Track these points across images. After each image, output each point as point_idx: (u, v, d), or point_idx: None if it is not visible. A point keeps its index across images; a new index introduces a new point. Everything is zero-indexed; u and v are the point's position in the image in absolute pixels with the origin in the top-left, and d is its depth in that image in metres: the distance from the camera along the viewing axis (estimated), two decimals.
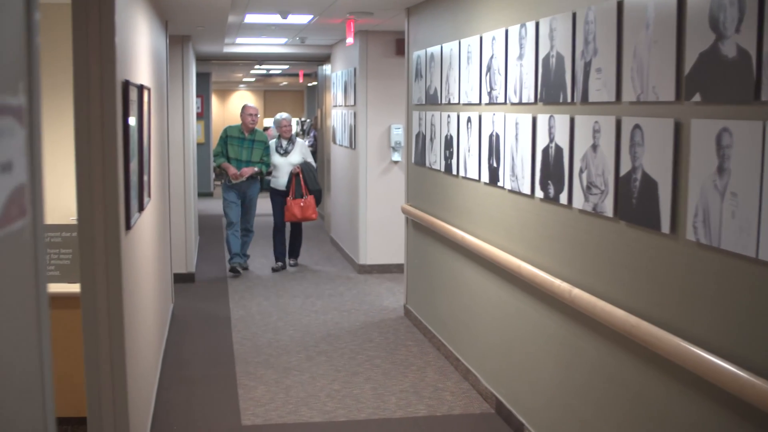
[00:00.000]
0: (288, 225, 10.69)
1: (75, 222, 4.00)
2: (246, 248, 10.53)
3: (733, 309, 3.01)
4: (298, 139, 10.55)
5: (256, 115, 10.27)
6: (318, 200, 10.33)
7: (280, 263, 10.60)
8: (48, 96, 5.31)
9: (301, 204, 10.14)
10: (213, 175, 20.00)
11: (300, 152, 10.37)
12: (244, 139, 10.15)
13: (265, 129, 24.89)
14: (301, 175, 10.16)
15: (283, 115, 10.64)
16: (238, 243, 10.25)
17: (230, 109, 28.62)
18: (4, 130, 1.35)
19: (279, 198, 10.36)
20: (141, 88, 4.96)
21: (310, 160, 10.48)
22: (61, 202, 5.44)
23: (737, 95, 2.92)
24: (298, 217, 10.18)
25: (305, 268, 10.69)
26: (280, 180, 10.32)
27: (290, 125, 10.48)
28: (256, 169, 10.15)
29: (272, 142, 10.42)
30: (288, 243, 10.80)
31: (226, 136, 10.22)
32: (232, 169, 10.07)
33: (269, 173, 10.57)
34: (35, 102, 2.07)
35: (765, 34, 2.78)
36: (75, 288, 4.86)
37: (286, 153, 10.31)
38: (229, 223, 10.22)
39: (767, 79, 2.76)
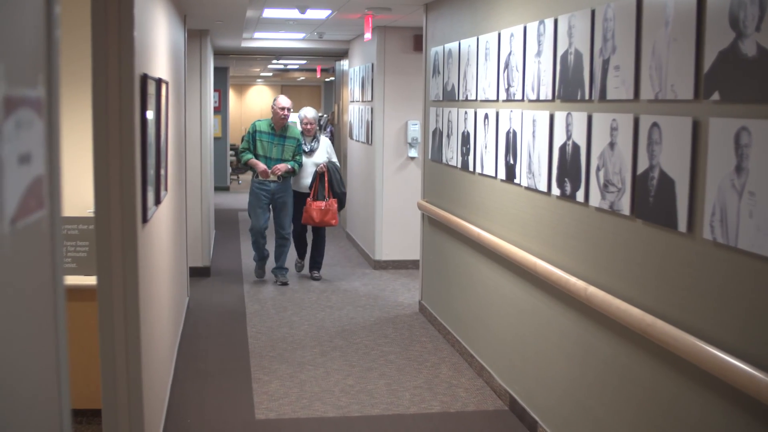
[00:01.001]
0: (308, 231, 9.91)
1: (92, 215, 4.02)
2: (284, 259, 9.47)
3: (749, 309, 3.00)
4: (323, 137, 9.69)
5: (288, 109, 9.16)
6: (341, 204, 9.42)
7: (299, 264, 9.93)
8: (67, 88, 5.33)
9: (322, 207, 9.23)
10: (230, 170, 19.98)
11: (325, 151, 9.55)
12: (274, 135, 9.12)
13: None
14: (326, 176, 9.31)
15: (308, 110, 9.69)
16: (262, 249, 9.40)
17: (248, 103, 28.70)
18: (22, 122, 1.35)
19: (299, 198, 9.43)
20: (159, 82, 4.97)
21: (335, 159, 9.64)
22: (78, 194, 5.46)
23: (757, 94, 2.90)
24: (316, 220, 9.26)
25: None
26: (303, 181, 9.44)
27: (315, 122, 9.61)
28: (289, 166, 9.09)
29: None
30: (309, 250, 9.87)
31: (255, 131, 9.18)
32: (261, 166, 9.01)
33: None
34: (54, 94, 2.08)
35: None
36: (91, 280, 4.88)
37: (311, 152, 9.45)
38: (254, 229, 9.30)
39: None
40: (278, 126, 9.15)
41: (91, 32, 3.75)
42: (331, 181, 9.28)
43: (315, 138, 9.56)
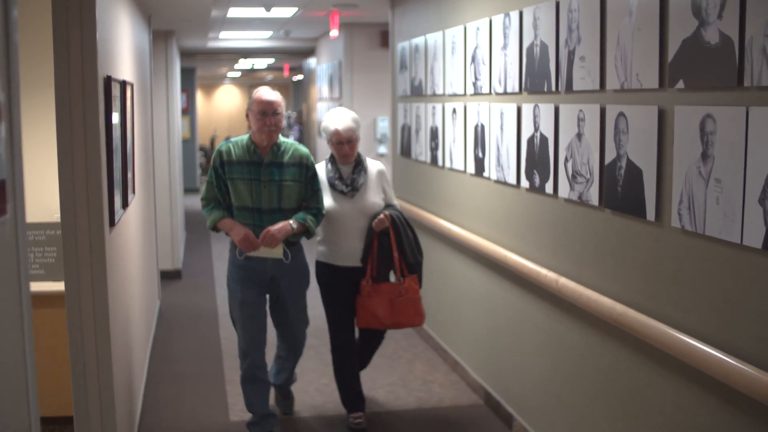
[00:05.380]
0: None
1: (59, 220, 3.97)
2: (289, 379, 5.45)
3: (718, 295, 3.02)
4: (370, 162, 5.26)
5: (278, 111, 4.82)
6: (420, 283, 5.20)
7: (357, 419, 5.21)
8: (31, 92, 5.27)
9: (396, 295, 5.08)
10: (199, 171, 19.84)
11: (379, 186, 5.20)
12: (260, 164, 4.80)
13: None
14: (392, 235, 5.08)
15: (341, 115, 5.17)
16: (263, 392, 5.03)
17: (216, 104, 28.56)
18: None
19: (341, 283, 5.17)
20: (124, 84, 4.93)
21: (393, 197, 5.31)
22: (46, 199, 5.40)
23: (720, 81, 2.92)
24: (385, 322, 5.10)
25: None
26: (345, 246, 5.14)
27: (358, 136, 5.16)
28: (294, 225, 4.80)
29: (321, 169, 5.16)
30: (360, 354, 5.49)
31: (222, 161, 4.83)
32: (238, 231, 4.77)
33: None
34: (14, 98, 2.05)
35: (747, 19, 2.78)
36: (60, 286, 4.83)
37: (352, 190, 5.08)
38: (243, 355, 5.00)
39: (749, 64, 2.76)
40: (265, 144, 4.81)
41: (52, 34, 3.71)
42: (400, 243, 5.09)
43: (360, 166, 5.15)
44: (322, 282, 5.26)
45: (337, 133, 5.08)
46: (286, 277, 4.97)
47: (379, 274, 5.10)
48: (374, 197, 5.14)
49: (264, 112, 4.77)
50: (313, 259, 5.29)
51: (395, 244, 5.10)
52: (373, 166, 5.23)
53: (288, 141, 4.93)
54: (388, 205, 5.22)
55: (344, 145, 5.08)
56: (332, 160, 5.18)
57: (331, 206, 5.08)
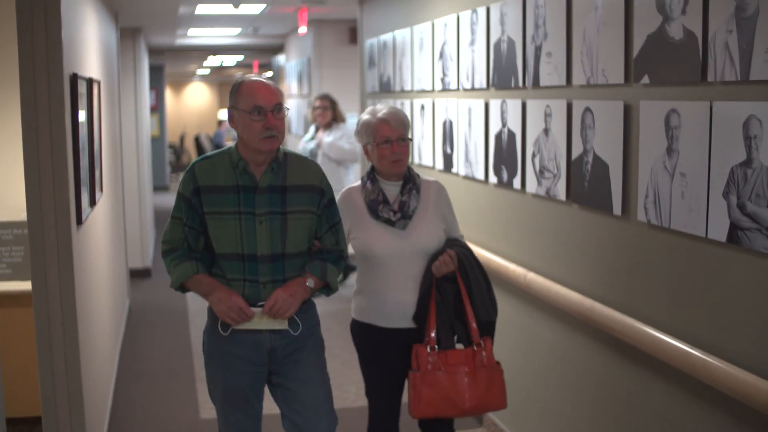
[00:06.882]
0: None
1: (26, 219, 3.94)
2: None
3: (684, 288, 3.04)
4: (424, 179, 3.75)
5: (281, 109, 3.22)
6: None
7: None
8: None
9: (477, 366, 3.56)
10: (169, 169, 19.71)
11: (437, 212, 3.70)
12: (252, 188, 3.24)
13: (221, 122, 24.68)
14: (459, 281, 3.62)
15: (391, 108, 3.67)
16: None
17: (185, 101, 28.41)
18: None
19: (389, 352, 3.66)
20: (90, 82, 4.89)
21: (457, 227, 3.82)
22: (11, 198, 5.36)
23: (684, 76, 2.94)
24: (465, 405, 3.54)
25: None
26: (392, 299, 3.61)
27: (407, 141, 3.61)
28: (311, 282, 3.33)
29: (356, 194, 3.68)
30: None
31: (197, 189, 3.26)
32: (222, 300, 3.24)
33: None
34: None
35: (710, 15, 2.80)
36: (27, 286, 4.80)
37: (403, 218, 3.59)
38: None
39: (713, 60, 2.79)
40: (261, 160, 3.26)
41: (17, 32, 3.68)
42: (471, 294, 3.63)
43: (410, 184, 3.66)
44: (361, 349, 3.74)
45: (381, 126, 3.56)
46: (296, 352, 3.35)
47: (441, 339, 3.54)
48: (432, 228, 3.62)
49: (261, 110, 3.16)
50: (327, 307, 3.92)
51: (465, 293, 3.58)
52: (428, 185, 3.71)
53: (290, 152, 3.38)
54: (451, 240, 3.69)
55: (393, 144, 3.54)
56: (372, 177, 3.65)
57: (373, 243, 3.57)
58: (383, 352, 3.66)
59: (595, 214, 3.63)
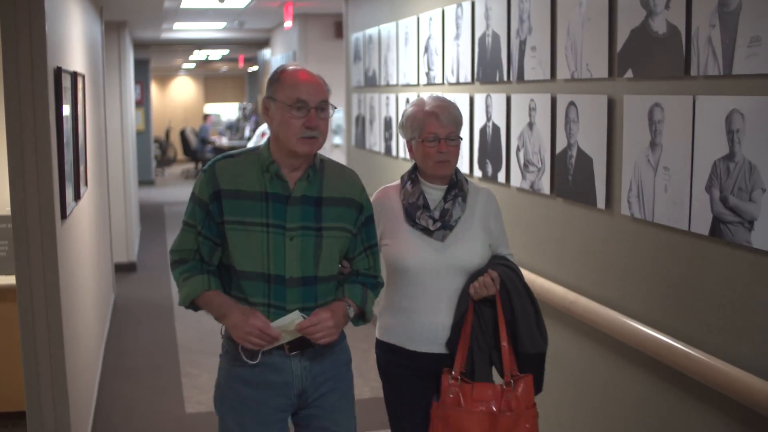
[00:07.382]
0: None
1: (10, 213, 3.93)
2: None
3: (666, 281, 3.06)
4: (472, 186, 3.25)
5: (324, 101, 2.74)
6: (539, 384, 3.17)
7: None
8: None
9: (502, 408, 3.00)
10: (154, 163, 19.65)
11: (484, 224, 3.20)
12: (284, 198, 2.74)
13: (206, 116, 24.62)
14: (499, 309, 3.08)
15: (442, 99, 3.16)
16: None
17: (171, 96, 28.32)
18: None
19: (416, 378, 3.17)
20: (75, 75, 4.87)
21: (506, 242, 3.30)
22: None
23: (667, 71, 2.96)
24: None
25: None
26: (424, 320, 3.13)
27: (458, 140, 3.11)
28: (351, 310, 2.86)
29: (394, 193, 3.24)
30: None
31: (218, 193, 2.74)
32: (240, 321, 2.74)
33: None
34: None
35: (693, 9, 2.82)
36: (11, 280, 4.79)
37: (443, 227, 3.10)
38: None
39: (696, 54, 2.80)
40: (299, 164, 2.78)
41: (0, 25, 3.66)
42: (513, 322, 3.10)
43: (456, 189, 3.17)
44: (385, 374, 3.27)
45: (429, 121, 3.10)
46: (328, 394, 2.89)
47: (475, 369, 3.10)
48: (475, 242, 3.16)
49: (304, 105, 2.71)
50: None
51: (503, 322, 3.09)
52: (477, 192, 3.25)
53: (326, 158, 2.93)
54: (497, 258, 3.21)
55: (441, 143, 3.08)
56: (414, 177, 3.21)
57: (405, 253, 3.13)
58: (408, 378, 3.16)
59: (579, 208, 3.64)
